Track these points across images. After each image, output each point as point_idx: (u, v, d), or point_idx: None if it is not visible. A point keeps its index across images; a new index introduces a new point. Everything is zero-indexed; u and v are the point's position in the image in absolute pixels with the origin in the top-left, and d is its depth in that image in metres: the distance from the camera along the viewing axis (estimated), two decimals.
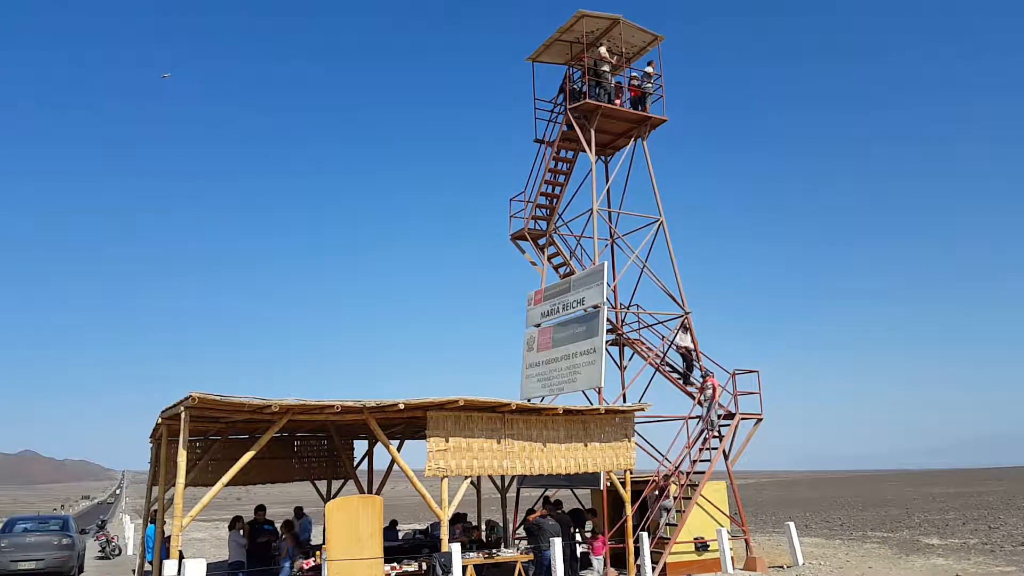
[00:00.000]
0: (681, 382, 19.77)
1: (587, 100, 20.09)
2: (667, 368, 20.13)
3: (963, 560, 19.37)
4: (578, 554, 16.32)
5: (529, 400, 19.00)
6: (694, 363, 19.87)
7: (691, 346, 19.98)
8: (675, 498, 17.77)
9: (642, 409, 15.86)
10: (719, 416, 18.49)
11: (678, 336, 20.05)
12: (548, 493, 19.81)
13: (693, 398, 19.21)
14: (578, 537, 16.53)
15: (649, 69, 21.48)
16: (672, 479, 17.88)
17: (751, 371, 19.34)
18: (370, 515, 12.76)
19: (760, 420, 19.22)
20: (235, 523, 16.33)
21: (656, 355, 20.17)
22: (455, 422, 13.42)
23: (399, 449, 19.52)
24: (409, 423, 16.28)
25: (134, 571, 18.79)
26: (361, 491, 19.40)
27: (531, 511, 17.76)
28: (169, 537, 11.30)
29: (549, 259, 21.70)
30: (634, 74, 21.54)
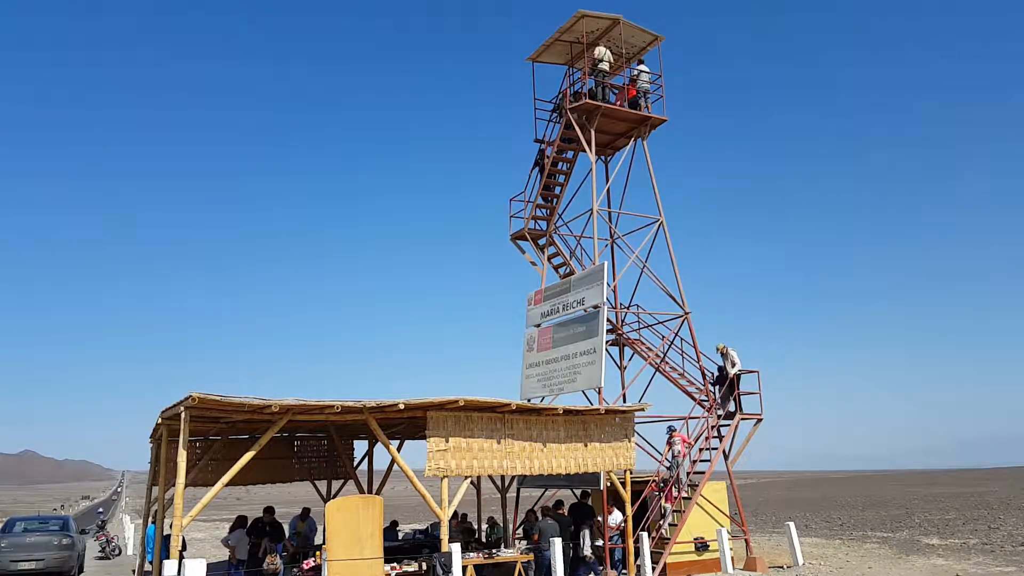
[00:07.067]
0: (719, 400, 19.27)
1: (587, 100, 20.10)
2: (671, 370, 20.10)
3: (963, 560, 19.37)
4: (584, 553, 15.63)
5: (529, 400, 18.99)
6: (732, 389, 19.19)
7: (729, 373, 19.15)
8: (675, 499, 17.75)
9: (642, 409, 15.85)
10: (688, 474, 18.22)
11: (726, 365, 19.38)
12: (551, 493, 19.74)
13: (702, 405, 19.21)
14: (586, 539, 15.78)
15: (644, 69, 21.46)
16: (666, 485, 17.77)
17: (751, 371, 19.34)
18: (370, 515, 12.74)
19: (760, 420, 19.22)
20: (242, 521, 16.38)
21: (656, 355, 20.16)
22: (455, 422, 13.42)
23: (399, 449, 19.50)
24: (409, 423, 16.27)
25: (134, 571, 18.78)
26: (361, 491, 19.39)
27: (531, 511, 17.78)
28: (169, 536, 11.30)
29: (549, 259, 21.69)
30: (631, 74, 21.55)
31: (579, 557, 15.73)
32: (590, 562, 15.67)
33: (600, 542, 16.43)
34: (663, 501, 17.64)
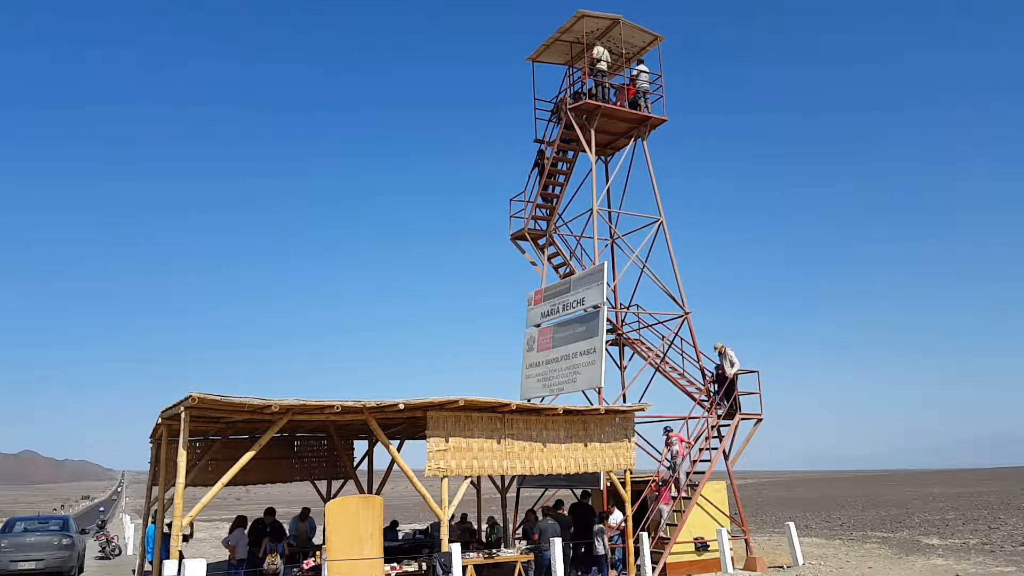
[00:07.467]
0: (716, 396, 19.14)
1: (587, 100, 20.09)
2: (669, 369, 20.10)
3: (963, 560, 19.36)
4: (601, 552, 15.46)
5: (529, 400, 18.99)
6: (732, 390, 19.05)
7: (729, 374, 19.00)
8: (674, 498, 17.75)
9: (642, 409, 15.84)
10: (687, 474, 18.18)
11: (724, 364, 19.26)
12: (551, 493, 19.68)
13: (702, 405, 19.17)
14: (603, 538, 15.64)
15: (644, 69, 21.45)
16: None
17: (751, 371, 19.34)
18: (370, 515, 12.75)
19: (760, 420, 19.21)
20: (242, 521, 16.36)
21: (656, 355, 20.15)
22: (455, 422, 13.41)
23: (399, 449, 19.50)
24: (409, 423, 16.27)
25: (134, 571, 18.78)
26: (361, 491, 19.38)
27: (531, 511, 17.76)
28: (169, 536, 11.29)
29: (549, 259, 21.69)
30: (631, 74, 21.55)
31: (595, 555, 15.70)
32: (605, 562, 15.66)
33: None
34: (659, 503, 17.63)
